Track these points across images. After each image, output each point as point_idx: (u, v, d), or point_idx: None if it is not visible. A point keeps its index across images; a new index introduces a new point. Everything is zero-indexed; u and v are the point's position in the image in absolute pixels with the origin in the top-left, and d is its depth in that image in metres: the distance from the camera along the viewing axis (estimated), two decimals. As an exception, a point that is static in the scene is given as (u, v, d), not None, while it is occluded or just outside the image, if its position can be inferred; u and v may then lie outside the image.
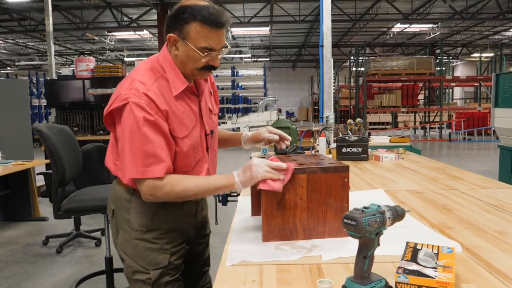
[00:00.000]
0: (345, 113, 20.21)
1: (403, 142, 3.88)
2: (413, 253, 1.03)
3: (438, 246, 1.07)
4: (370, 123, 18.73)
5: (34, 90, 15.26)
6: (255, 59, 22.91)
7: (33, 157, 5.37)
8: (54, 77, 6.31)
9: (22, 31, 14.24)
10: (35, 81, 15.39)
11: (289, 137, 1.70)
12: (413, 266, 0.95)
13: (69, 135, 2.49)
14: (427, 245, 1.08)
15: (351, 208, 1.07)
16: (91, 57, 6.65)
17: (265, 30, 16.37)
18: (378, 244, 0.93)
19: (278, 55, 23.99)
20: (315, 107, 26.48)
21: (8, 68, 22.06)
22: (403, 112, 17.97)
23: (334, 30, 17.45)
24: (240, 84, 19.38)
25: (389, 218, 0.92)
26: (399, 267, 0.95)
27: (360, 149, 3.13)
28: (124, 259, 1.49)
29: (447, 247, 1.07)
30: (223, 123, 13.94)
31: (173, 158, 1.37)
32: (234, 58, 23.04)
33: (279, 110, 29.59)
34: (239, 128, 12.96)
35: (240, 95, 19.03)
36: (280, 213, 1.32)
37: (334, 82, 20.98)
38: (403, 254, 1.03)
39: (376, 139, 4.09)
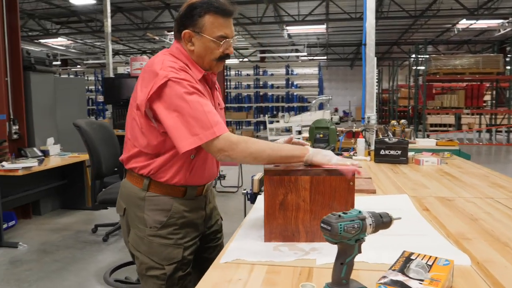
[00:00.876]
0: (403, 114, 19.42)
1: (451, 145, 3.66)
2: (404, 263, 0.98)
3: (436, 258, 1.02)
4: (431, 125, 17.85)
5: (100, 87, 16.21)
6: (311, 58, 22.67)
7: (89, 150, 5.73)
8: (111, 75, 6.66)
9: (89, 31, 15.17)
10: (100, 79, 16.33)
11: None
12: (398, 277, 0.91)
13: (108, 130, 2.63)
14: (424, 255, 1.03)
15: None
16: (145, 56, 6.96)
17: (321, 28, 16.13)
18: (359, 252, 0.90)
19: (335, 53, 23.56)
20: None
21: (78, 66, 23.62)
22: (467, 114, 16.96)
23: (393, 27, 16.83)
24: (295, 83, 19.30)
25: (370, 225, 0.89)
26: (383, 277, 0.91)
27: (399, 152, 3.00)
28: (137, 257, 1.50)
29: (445, 259, 1.01)
30: (276, 121, 13.98)
31: None
32: (290, 57, 23.00)
33: (335, 110, 29.09)
34: (291, 127, 12.95)
35: (295, 94, 18.96)
36: (282, 214, 1.31)
37: (393, 81, 20.26)
38: (394, 263, 0.99)
39: (422, 141, 3.90)
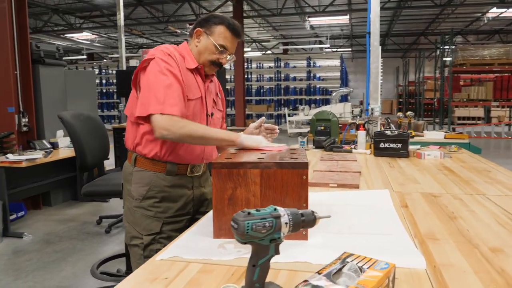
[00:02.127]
0: (429, 107, 18.84)
1: (460, 138, 3.47)
2: (337, 265, 0.89)
3: (376, 261, 0.92)
4: (459, 118, 17.22)
5: (123, 80, 16.37)
6: (335, 50, 22.28)
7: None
8: (124, 68, 6.70)
9: (112, 25, 15.37)
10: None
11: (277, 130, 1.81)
12: (321, 282, 0.82)
13: (96, 122, 2.61)
14: (364, 257, 0.93)
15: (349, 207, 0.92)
16: (157, 49, 6.92)
17: (344, 19, 15.78)
18: (277, 253, 0.82)
19: (360, 44, 23.06)
20: (400, 100, 25.11)
21: (104, 60, 24.05)
22: (497, 107, 16.27)
23: (420, 17, 16.29)
24: (318, 75, 19.02)
25: (286, 223, 0.80)
26: (304, 281, 0.82)
27: (399, 145, 2.87)
28: (126, 227, 1.68)
29: (385, 263, 0.91)
30: (295, 114, 13.82)
31: None
32: (313, 49, 22.68)
33: (360, 102, 28.53)
34: (356, 118, 12.59)
35: (318, 86, 18.68)
36: (231, 209, 1.24)
37: (419, 73, 19.64)
38: (325, 265, 0.90)
39: (429, 134, 3.72)
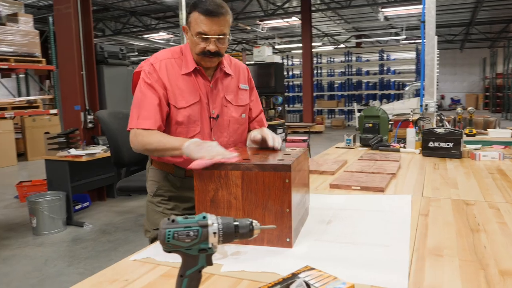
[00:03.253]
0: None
1: (530, 137, 3.07)
2: (285, 280, 0.81)
3: (334, 279, 0.82)
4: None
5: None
6: (413, 41, 21.05)
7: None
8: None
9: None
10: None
11: (270, 143, 1.42)
12: (256, 299, 0.74)
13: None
14: (323, 274, 0.84)
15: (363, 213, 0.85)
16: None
17: (421, 8, 14.82)
18: (209, 264, 0.76)
19: (441, 35, 21.51)
20: (487, 94, 23.12)
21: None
22: None
23: (509, 1, 14.75)
24: (392, 69, 18.12)
25: (214, 233, 0.73)
26: (239, 297, 0.75)
27: (450, 144, 2.60)
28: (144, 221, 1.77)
29: (342, 282, 0.80)
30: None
31: (169, 124, 1.58)
32: (389, 41, 21.64)
33: (442, 97, 26.70)
34: (409, 115, 12.00)
35: (393, 80, 17.80)
36: (213, 212, 1.19)
37: (509, 64, 17.85)
38: (276, 280, 0.82)
39: (494, 132, 3.33)
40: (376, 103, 12.89)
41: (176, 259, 1.06)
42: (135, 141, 1.51)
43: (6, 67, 6.26)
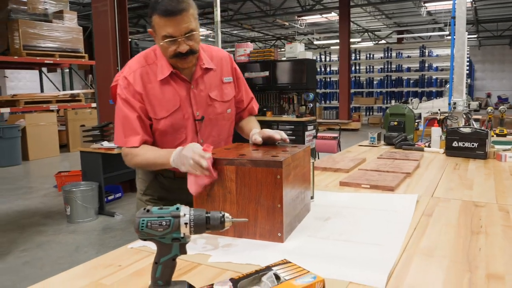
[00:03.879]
0: None
1: None
2: (258, 271, 0.84)
3: (306, 273, 0.84)
4: None
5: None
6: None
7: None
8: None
9: (223, 21, 16.14)
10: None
11: (278, 137, 1.41)
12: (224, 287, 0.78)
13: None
14: (297, 267, 0.86)
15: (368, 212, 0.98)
16: (249, 43, 7.13)
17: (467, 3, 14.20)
18: (183, 252, 0.80)
19: (487, 30, 20.56)
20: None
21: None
22: None
23: None
24: (435, 65, 17.51)
25: (186, 224, 0.78)
26: (209, 284, 0.80)
27: (475, 144, 2.52)
28: None
29: (313, 276, 0.83)
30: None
31: (154, 134, 1.52)
32: (431, 37, 20.91)
33: (488, 95, 25.48)
34: (420, 114, 11.75)
35: (435, 77, 17.20)
36: (210, 206, 1.24)
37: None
38: (250, 272, 0.85)
39: (527, 133, 3.18)
40: (415, 101, 12.50)
41: (169, 248, 1.13)
42: (126, 161, 1.50)
43: (51, 62, 6.63)
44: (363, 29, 20.25)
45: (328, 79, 18.59)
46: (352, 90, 16.60)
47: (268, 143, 1.44)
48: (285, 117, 6.69)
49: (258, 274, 0.82)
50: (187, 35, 1.38)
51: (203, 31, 18.89)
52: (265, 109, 6.87)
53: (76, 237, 3.74)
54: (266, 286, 0.80)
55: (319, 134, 6.23)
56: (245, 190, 1.19)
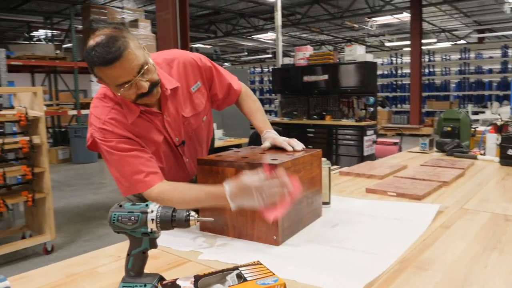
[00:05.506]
0: None
1: None
2: (224, 270, 0.87)
3: (271, 275, 0.85)
4: None
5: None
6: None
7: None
8: (279, 66, 7.06)
9: (290, 25, 16.20)
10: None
11: (289, 149, 1.39)
12: (185, 284, 0.82)
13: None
14: (264, 269, 0.88)
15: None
16: (308, 46, 7.07)
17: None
18: (153, 247, 0.86)
19: None
20: None
21: (286, 57, 25.53)
22: None
23: None
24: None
25: (152, 220, 0.83)
26: (173, 279, 0.84)
27: (533, 154, 2.31)
28: None
29: (274, 279, 0.84)
30: (481, 112, 12.00)
31: None
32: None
33: None
34: (497, 119, 10.82)
35: (520, 79, 15.78)
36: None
37: None
38: (221, 270, 0.88)
39: None
40: (495, 105, 11.58)
41: (170, 244, 1.20)
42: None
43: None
44: (439, 29, 19.17)
45: (400, 82, 17.85)
46: (426, 94, 15.79)
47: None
48: (344, 121, 6.56)
49: (223, 273, 0.85)
50: (141, 72, 1.21)
51: (271, 34, 19.12)
52: (324, 113, 6.79)
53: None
54: (227, 284, 0.82)
55: (379, 139, 6.02)
56: (244, 192, 1.21)
